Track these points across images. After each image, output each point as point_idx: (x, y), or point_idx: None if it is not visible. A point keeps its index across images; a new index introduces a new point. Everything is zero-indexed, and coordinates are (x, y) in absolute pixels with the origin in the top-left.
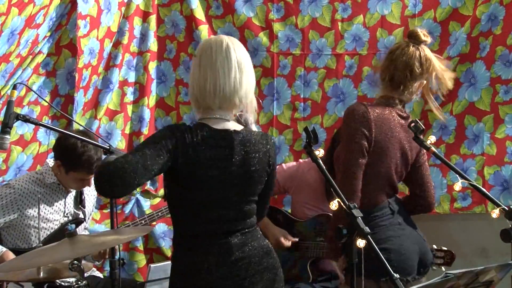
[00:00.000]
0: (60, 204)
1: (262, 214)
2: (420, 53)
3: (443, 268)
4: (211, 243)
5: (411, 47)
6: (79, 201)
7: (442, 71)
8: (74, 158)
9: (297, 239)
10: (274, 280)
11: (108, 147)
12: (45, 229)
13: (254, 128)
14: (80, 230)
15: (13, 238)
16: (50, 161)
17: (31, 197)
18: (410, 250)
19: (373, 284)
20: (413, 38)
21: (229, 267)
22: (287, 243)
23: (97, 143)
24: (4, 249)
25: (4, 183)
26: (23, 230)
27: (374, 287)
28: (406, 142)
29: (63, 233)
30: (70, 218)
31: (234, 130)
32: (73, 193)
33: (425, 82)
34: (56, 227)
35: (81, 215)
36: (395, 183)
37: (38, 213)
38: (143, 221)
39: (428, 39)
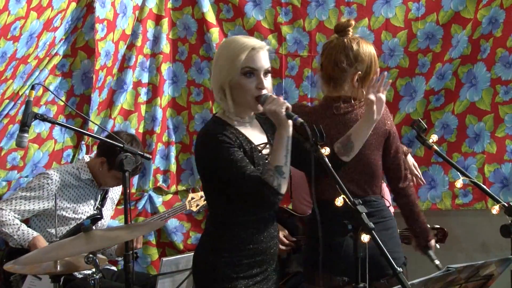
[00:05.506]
0: (92, 198)
1: None
2: (346, 44)
3: (437, 245)
4: None
5: (337, 40)
6: (102, 199)
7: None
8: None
9: (295, 239)
10: None
11: (122, 146)
12: (78, 219)
13: None
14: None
15: (43, 224)
16: (86, 157)
17: (66, 189)
18: None
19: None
20: (337, 31)
21: None
22: (283, 246)
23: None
24: (35, 233)
25: (42, 172)
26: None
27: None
28: None
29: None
30: (96, 212)
31: None
32: (101, 190)
33: (359, 72)
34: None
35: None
36: None
37: (55, 206)
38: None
39: (351, 22)
